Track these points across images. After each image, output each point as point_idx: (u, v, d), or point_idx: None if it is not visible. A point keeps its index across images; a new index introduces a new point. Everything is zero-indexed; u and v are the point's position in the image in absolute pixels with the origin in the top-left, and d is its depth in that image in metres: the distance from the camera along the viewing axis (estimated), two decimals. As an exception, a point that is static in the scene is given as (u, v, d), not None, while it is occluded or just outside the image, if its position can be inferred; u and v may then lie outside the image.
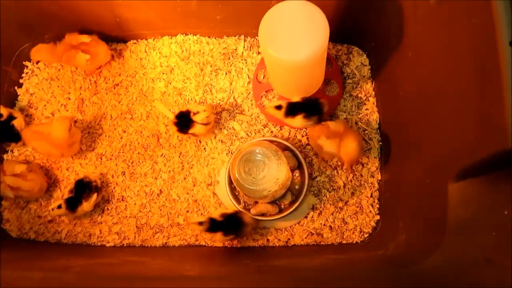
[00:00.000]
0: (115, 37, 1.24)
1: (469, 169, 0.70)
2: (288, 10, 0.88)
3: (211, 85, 1.19)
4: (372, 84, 1.16)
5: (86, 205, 1.05)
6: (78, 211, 1.06)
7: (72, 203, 1.05)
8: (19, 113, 1.16)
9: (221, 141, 1.15)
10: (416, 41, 0.91)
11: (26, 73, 1.25)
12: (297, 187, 1.08)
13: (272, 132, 1.15)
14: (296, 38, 0.86)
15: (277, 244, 1.08)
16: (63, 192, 1.13)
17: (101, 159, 1.16)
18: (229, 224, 0.99)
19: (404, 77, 0.99)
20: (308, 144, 1.13)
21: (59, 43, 1.18)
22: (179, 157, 1.15)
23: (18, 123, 1.14)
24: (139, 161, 1.15)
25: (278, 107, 1.00)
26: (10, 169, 1.09)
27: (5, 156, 1.19)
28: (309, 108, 0.99)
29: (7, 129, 1.13)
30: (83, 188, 1.07)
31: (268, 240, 1.08)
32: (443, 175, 0.76)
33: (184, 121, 1.07)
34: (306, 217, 1.08)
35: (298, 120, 1.00)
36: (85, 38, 1.14)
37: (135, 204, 1.13)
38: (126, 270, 0.91)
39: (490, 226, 0.67)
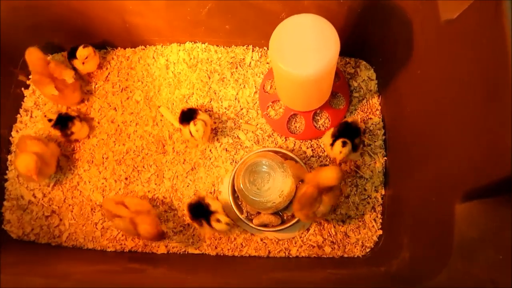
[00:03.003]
0: (123, 42, 1.25)
1: (475, 190, 0.70)
2: (299, 24, 0.88)
3: (217, 93, 1.19)
4: (379, 98, 1.16)
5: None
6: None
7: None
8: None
9: (226, 150, 1.15)
10: (425, 59, 0.91)
11: (33, 75, 1.25)
12: (300, 199, 1.08)
13: (277, 142, 1.15)
14: (306, 52, 0.86)
15: (278, 256, 1.07)
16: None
17: (104, 163, 1.16)
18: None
19: (411, 93, 0.99)
20: (312, 156, 1.13)
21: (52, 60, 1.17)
22: (183, 164, 1.15)
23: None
24: (143, 167, 1.15)
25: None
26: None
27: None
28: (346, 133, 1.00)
29: None
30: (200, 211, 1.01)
31: (269, 251, 1.08)
32: (449, 194, 0.76)
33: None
34: (308, 229, 1.08)
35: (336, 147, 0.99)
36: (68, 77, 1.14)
37: (137, 210, 1.12)
38: (127, 280, 0.91)
39: (496, 248, 0.67)
